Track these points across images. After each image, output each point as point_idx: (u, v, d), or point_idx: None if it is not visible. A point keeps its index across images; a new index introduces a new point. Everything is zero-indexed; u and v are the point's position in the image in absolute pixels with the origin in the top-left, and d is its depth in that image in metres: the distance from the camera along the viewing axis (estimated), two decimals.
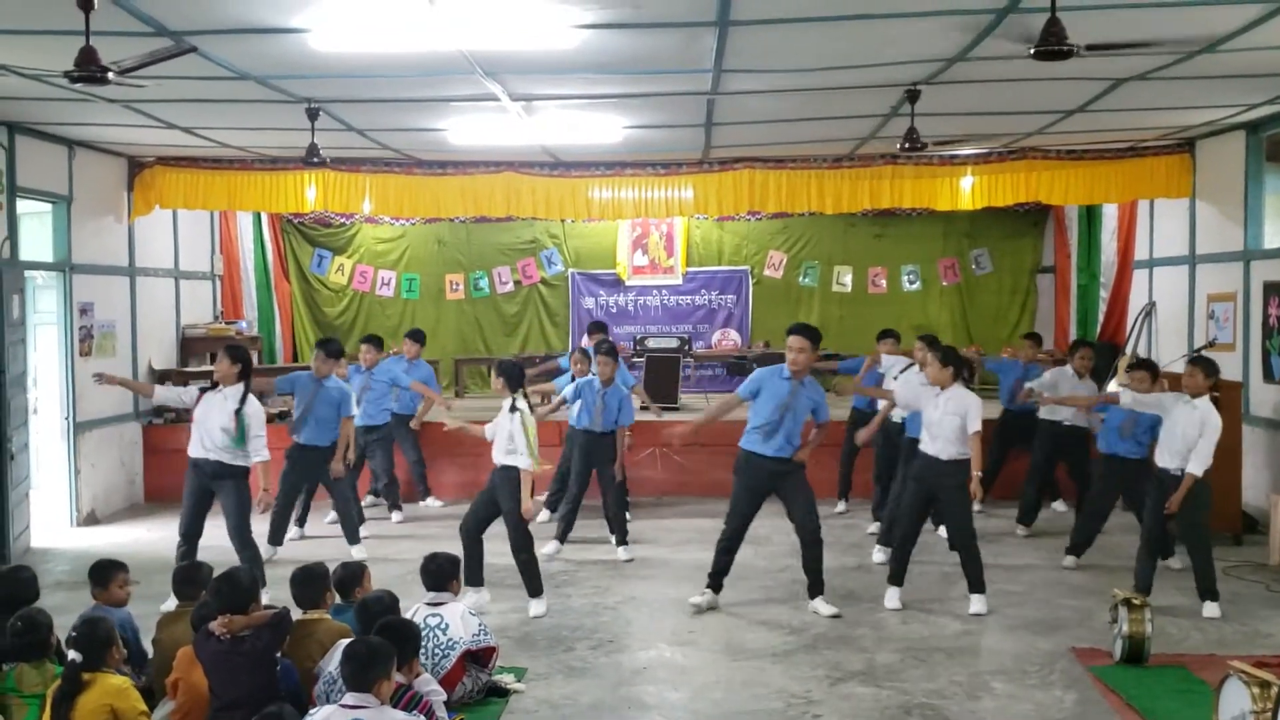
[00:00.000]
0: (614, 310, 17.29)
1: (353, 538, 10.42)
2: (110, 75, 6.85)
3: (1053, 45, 6.59)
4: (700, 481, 12.97)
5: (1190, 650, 7.49)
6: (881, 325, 12.35)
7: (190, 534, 8.71)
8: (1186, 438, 8.13)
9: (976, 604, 8.44)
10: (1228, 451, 10.34)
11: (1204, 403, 8.19)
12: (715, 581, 8.62)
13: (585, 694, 6.77)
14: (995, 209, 14.07)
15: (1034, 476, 11.22)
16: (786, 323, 17.01)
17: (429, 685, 5.55)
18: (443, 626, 6.52)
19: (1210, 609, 8.24)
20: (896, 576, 8.67)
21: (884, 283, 16.92)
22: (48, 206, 11.79)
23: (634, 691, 6.83)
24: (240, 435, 8.44)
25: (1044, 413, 10.94)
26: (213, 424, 8.48)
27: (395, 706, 5.01)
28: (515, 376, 8.37)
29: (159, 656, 6.23)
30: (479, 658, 6.62)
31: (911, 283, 16.99)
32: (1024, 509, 11.21)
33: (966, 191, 13.04)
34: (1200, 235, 12.53)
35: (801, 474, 8.42)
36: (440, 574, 6.84)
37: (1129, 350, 13.70)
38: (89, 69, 6.76)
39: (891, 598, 8.60)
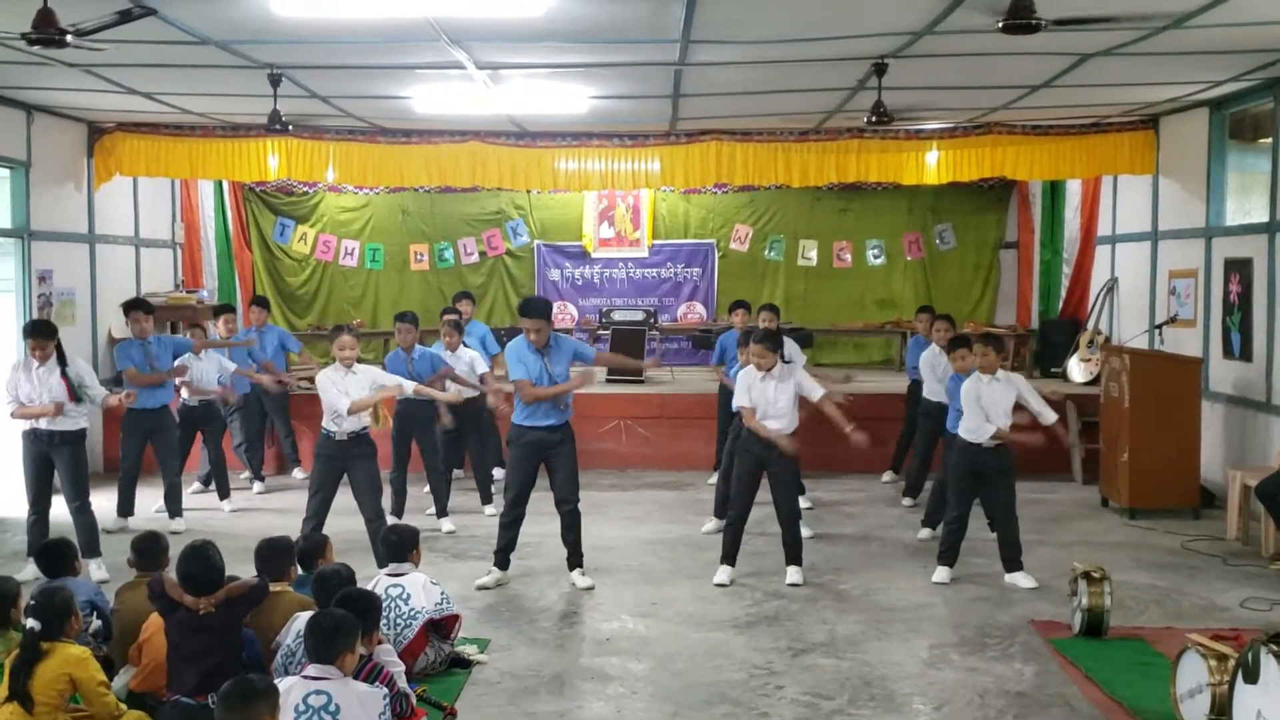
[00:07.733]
0: (580, 282, 17.20)
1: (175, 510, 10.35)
2: (69, 38, 6.77)
3: (1021, 19, 6.61)
4: (663, 454, 12.98)
5: (1148, 623, 7.56)
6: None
7: (41, 502, 8.61)
8: (1006, 407, 8.35)
9: (793, 574, 8.50)
10: (1186, 426, 10.47)
11: (1004, 373, 8.49)
12: (501, 559, 8.47)
13: (548, 665, 6.77)
14: (960, 184, 14.16)
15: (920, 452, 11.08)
16: (752, 296, 16.99)
17: (389, 656, 5.53)
18: (404, 596, 6.51)
19: (1024, 580, 8.37)
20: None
21: (849, 257, 16.90)
22: (5, 172, 11.60)
23: (597, 663, 6.84)
24: (79, 395, 8.49)
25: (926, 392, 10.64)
26: (45, 399, 8.41)
27: (357, 678, 4.99)
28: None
29: (119, 625, 6.21)
30: (441, 627, 6.61)
31: (876, 257, 16.99)
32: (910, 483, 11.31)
33: (932, 166, 13.05)
34: (1163, 212, 12.62)
35: (570, 445, 8.37)
36: (400, 545, 6.82)
37: (1090, 326, 13.80)
38: (47, 31, 6.68)
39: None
